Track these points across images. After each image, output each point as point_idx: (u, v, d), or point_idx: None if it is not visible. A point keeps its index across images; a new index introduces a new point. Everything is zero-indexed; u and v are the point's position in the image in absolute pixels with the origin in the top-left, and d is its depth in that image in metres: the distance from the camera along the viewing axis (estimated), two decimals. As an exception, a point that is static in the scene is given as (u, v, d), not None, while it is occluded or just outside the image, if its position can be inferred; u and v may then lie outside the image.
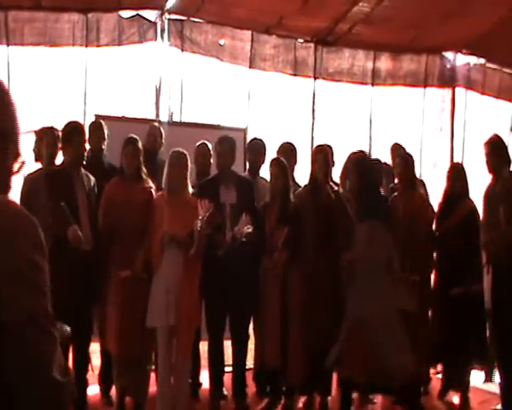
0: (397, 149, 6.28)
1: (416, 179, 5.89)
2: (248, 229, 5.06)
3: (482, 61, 8.39)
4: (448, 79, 8.25)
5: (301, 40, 7.74)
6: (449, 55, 8.19)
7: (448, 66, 8.19)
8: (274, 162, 5.59)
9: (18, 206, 1.53)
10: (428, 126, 8.45)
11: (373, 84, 8.19)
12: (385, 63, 8.16)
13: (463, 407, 5.70)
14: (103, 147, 5.62)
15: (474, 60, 8.26)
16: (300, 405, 5.59)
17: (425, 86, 8.41)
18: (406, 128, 8.34)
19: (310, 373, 5.24)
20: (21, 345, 1.36)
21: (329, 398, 5.55)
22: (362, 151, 5.86)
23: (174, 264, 4.90)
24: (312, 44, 7.74)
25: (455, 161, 7.42)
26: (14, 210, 1.47)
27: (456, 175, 5.83)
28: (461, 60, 8.17)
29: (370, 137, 8.19)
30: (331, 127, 7.83)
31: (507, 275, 5.02)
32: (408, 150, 6.07)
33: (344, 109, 8.05)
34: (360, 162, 5.36)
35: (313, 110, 7.88)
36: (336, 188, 5.69)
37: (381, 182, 5.79)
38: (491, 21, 7.03)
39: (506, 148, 5.61)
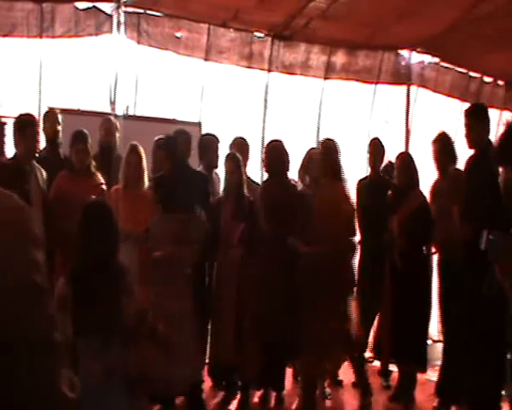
0: (322, 142, 6.04)
1: (340, 171, 5.45)
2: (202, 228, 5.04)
3: (437, 59, 8.52)
4: (402, 77, 8.35)
5: (258, 34, 7.73)
6: (404, 52, 8.28)
7: (403, 63, 8.28)
8: (228, 157, 5.58)
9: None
10: (378, 122, 8.55)
11: (326, 78, 8.21)
12: (340, 58, 8.20)
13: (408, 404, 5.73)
14: (59, 138, 5.55)
15: (428, 58, 8.38)
16: (256, 399, 5.62)
17: (378, 83, 8.50)
18: (356, 123, 8.43)
19: (265, 368, 5.27)
20: (30, 366, 1.23)
21: (285, 392, 5.61)
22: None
23: (129, 261, 4.86)
24: (269, 38, 7.73)
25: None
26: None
27: (402, 166, 5.76)
28: (416, 58, 8.27)
29: (318, 130, 8.22)
30: (284, 120, 7.81)
31: (455, 269, 5.03)
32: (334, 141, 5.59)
33: (297, 103, 8.06)
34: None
35: (265, 103, 7.87)
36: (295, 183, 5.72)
37: None
38: (446, 22, 7.14)
39: (453, 145, 5.63)
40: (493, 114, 9.52)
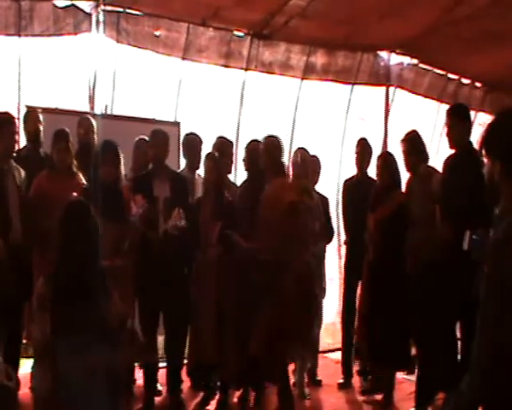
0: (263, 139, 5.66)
1: (283, 168, 5.40)
2: (181, 223, 5.03)
3: (415, 61, 8.59)
4: (381, 77, 8.40)
5: (237, 33, 7.73)
6: (383, 54, 8.33)
7: (382, 64, 8.33)
8: (207, 157, 5.59)
9: None
10: (354, 120, 8.60)
11: (305, 78, 8.21)
12: (320, 58, 8.22)
13: (386, 405, 5.75)
14: (40, 137, 5.53)
15: (407, 60, 8.44)
16: (235, 399, 5.62)
17: (357, 83, 8.53)
18: (332, 122, 8.47)
19: (244, 368, 5.27)
20: None
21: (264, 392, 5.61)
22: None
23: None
24: (248, 37, 7.73)
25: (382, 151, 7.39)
26: None
27: (384, 166, 5.75)
28: (394, 59, 8.32)
29: (292, 131, 8.23)
30: (260, 120, 7.80)
31: (428, 268, 5.05)
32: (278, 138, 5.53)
33: (275, 102, 8.05)
34: None
35: (241, 102, 7.86)
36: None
37: None
38: (425, 24, 7.19)
39: (423, 144, 5.59)
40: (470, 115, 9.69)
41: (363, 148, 6.31)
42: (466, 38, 7.35)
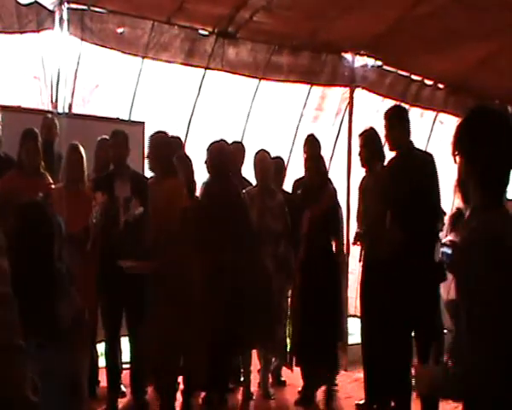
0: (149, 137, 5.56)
1: (172, 166, 5.28)
2: (139, 211, 5.01)
3: (379, 62, 8.65)
4: (345, 78, 8.45)
5: (203, 32, 7.70)
6: (347, 55, 8.38)
7: (346, 65, 8.38)
8: (177, 158, 5.56)
9: None
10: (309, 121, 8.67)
11: (267, 78, 8.21)
12: (284, 58, 8.22)
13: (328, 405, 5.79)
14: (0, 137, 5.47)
15: (371, 61, 8.50)
16: (199, 401, 5.60)
17: (320, 84, 8.57)
18: (289, 123, 8.52)
19: (209, 371, 5.26)
20: None
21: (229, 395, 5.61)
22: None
23: (71, 261, 4.80)
24: (213, 35, 7.71)
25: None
26: None
27: (312, 165, 5.76)
28: (359, 61, 8.37)
29: (244, 131, 8.22)
30: (218, 119, 7.77)
31: (378, 267, 5.11)
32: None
33: (234, 102, 8.03)
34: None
35: (195, 101, 7.83)
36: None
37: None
38: (389, 20, 7.21)
39: (380, 142, 5.56)
40: (431, 115, 9.81)
41: (311, 146, 6.32)
42: (428, 36, 7.37)
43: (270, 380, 6.17)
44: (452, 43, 7.48)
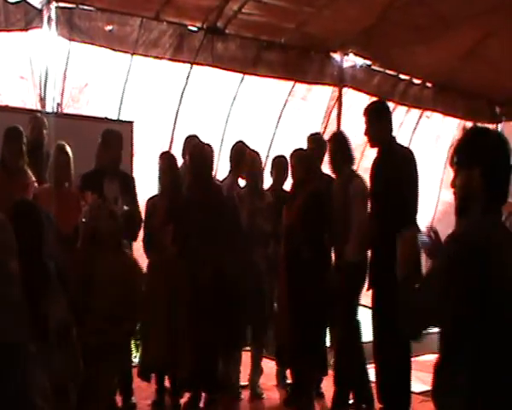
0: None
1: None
2: (124, 209, 5.02)
3: (368, 62, 8.69)
4: (334, 78, 8.48)
5: (191, 28, 7.70)
6: (336, 55, 8.41)
7: (335, 65, 8.41)
8: (161, 157, 5.56)
9: None
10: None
11: (255, 74, 8.21)
12: (272, 55, 8.23)
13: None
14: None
15: (360, 61, 8.54)
16: (185, 400, 5.59)
17: (307, 82, 8.59)
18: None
19: (196, 371, 5.27)
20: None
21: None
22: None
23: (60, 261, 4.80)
24: (202, 31, 7.71)
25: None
26: None
27: (296, 163, 5.64)
28: (347, 60, 8.40)
29: (225, 132, 8.25)
30: (204, 115, 7.78)
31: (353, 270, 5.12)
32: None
33: (222, 97, 8.03)
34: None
35: (181, 97, 7.83)
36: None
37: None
38: (377, 8, 7.23)
39: (349, 145, 5.43)
40: (416, 113, 9.87)
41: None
42: (416, 24, 7.33)
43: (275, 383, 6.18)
44: (441, 30, 7.44)
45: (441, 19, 7.24)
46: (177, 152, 6.07)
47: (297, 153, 5.74)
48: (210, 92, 7.98)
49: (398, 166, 4.83)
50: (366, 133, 5.03)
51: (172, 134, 7.64)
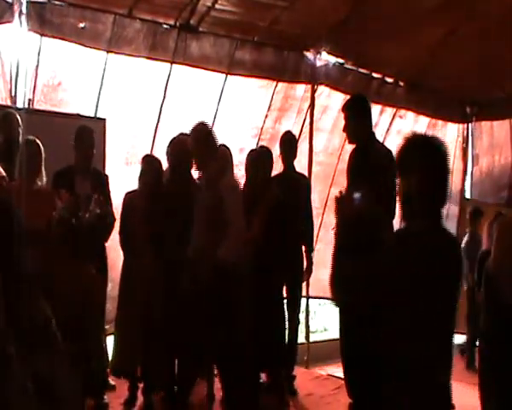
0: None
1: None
2: (97, 210, 5.00)
3: (341, 60, 8.73)
4: (307, 76, 8.50)
5: (165, 25, 7.65)
6: (309, 54, 8.43)
7: (308, 63, 8.43)
8: (144, 159, 5.57)
9: None
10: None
11: (230, 73, 8.18)
12: (246, 54, 8.22)
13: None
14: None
15: (332, 59, 8.57)
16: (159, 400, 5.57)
17: (282, 81, 8.59)
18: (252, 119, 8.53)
19: (170, 371, 5.26)
20: None
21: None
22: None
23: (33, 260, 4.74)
24: (176, 29, 7.67)
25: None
26: None
27: (253, 163, 5.71)
28: (320, 58, 8.43)
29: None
30: (183, 114, 7.62)
31: None
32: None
33: (198, 97, 8.00)
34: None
35: (164, 96, 7.79)
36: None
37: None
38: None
39: (213, 137, 5.19)
40: (391, 111, 9.93)
41: (290, 143, 6.36)
42: (386, 15, 7.30)
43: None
44: (413, 20, 7.41)
45: (411, 12, 7.25)
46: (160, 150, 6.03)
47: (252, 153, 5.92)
48: (190, 92, 7.92)
49: (375, 165, 4.74)
50: (344, 129, 4.97)
51: (155, 134, 7.59)
